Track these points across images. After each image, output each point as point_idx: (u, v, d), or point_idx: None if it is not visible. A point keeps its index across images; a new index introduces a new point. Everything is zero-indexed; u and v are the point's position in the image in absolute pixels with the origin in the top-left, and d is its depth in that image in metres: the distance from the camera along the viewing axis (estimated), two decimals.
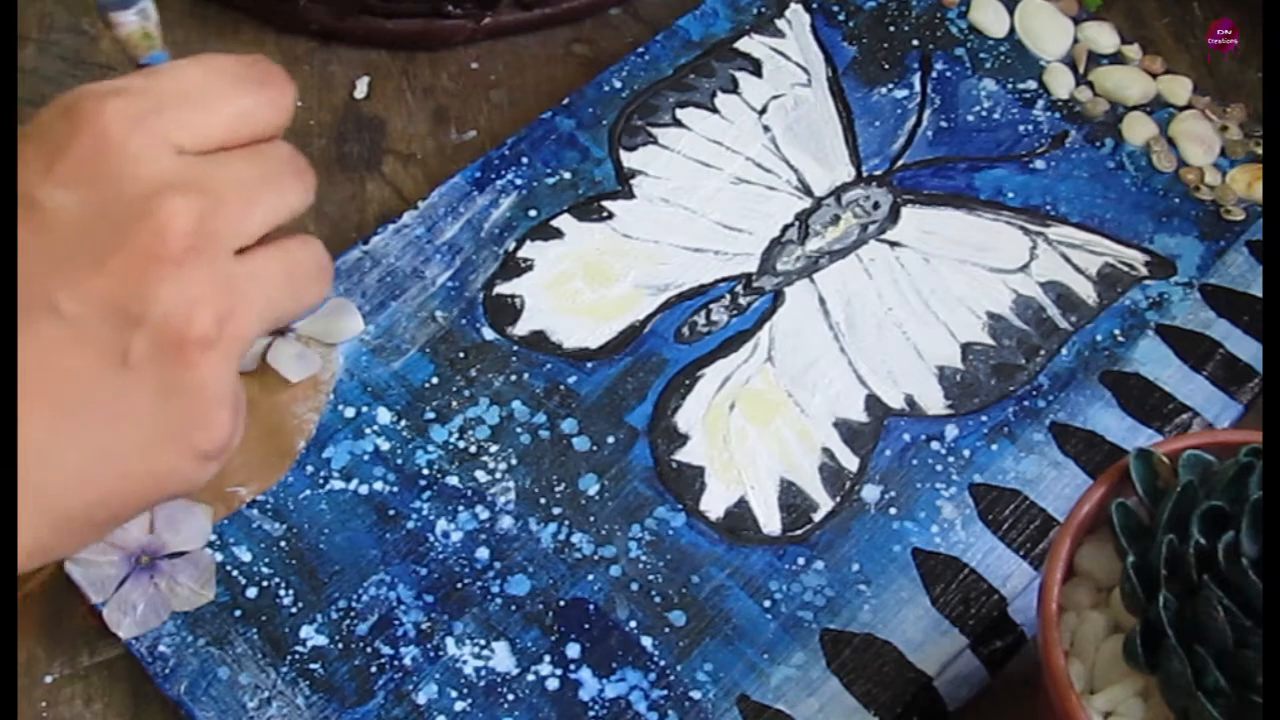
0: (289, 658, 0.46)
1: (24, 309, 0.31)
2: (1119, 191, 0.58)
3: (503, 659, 0.46)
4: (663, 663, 0.46)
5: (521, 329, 0.53)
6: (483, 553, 0.48)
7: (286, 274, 0.35)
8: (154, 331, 0.32)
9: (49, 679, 0.46)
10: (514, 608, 0.47)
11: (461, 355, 0.52)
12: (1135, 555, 0.38)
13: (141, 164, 0.32)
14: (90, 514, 0.33)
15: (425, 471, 0.50)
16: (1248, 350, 0.53)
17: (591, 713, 0.45)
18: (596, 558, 0.48)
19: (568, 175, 0.57)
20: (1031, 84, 0.61)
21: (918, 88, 0.61)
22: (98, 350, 0.32)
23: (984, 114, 0.60)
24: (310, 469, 0.50)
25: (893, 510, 0.50)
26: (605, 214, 0.56)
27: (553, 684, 0.46)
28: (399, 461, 0.50)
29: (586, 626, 0.47)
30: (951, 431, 0.51)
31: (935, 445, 0.51)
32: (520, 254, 0.55)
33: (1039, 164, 0.58)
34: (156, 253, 0.31)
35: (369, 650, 0.46)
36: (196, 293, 0.32)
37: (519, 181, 0.57)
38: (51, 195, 0.31)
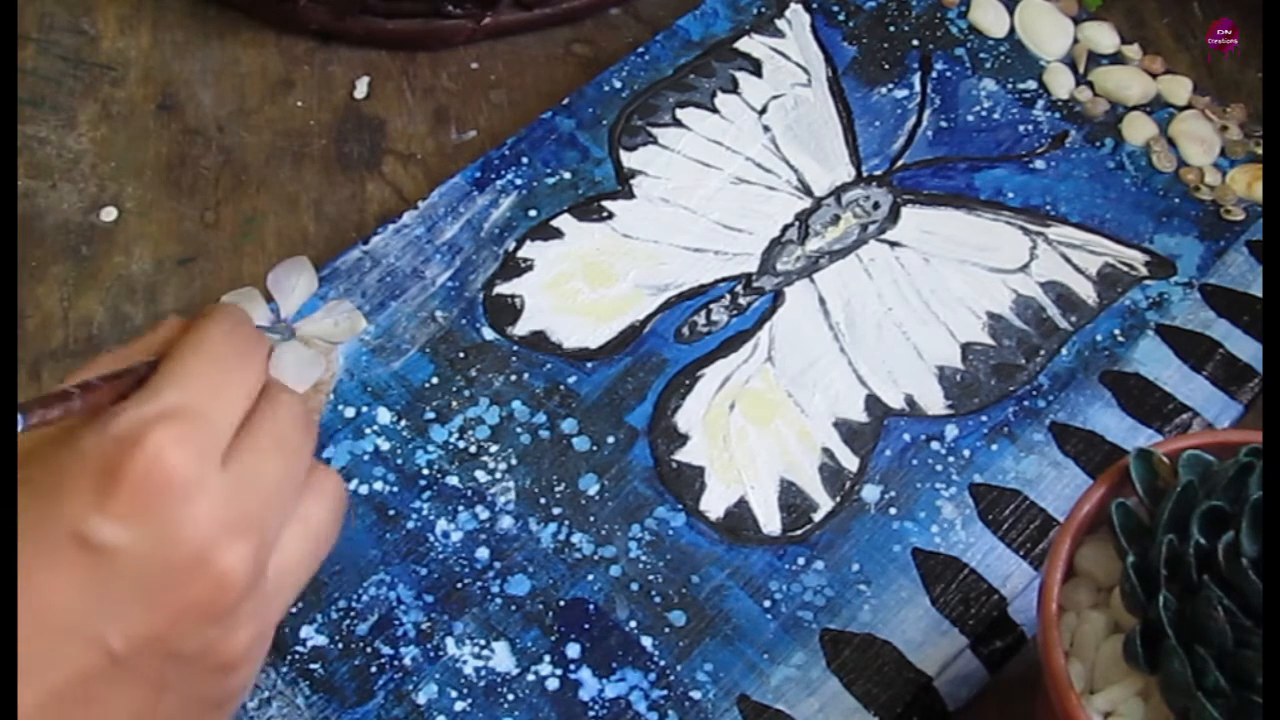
0: (289, 658, 0.46)
1: (74, 643, 0.31)
2: (1119, 191, 0.58)
3: (503, 659, 0.46)
4: (663, 663, 0.46)
5: (521, 329, 0.53)
6: (483, 553, 0.48)
7: (313, 553, 0.36)
8: (197, 663, 0.33)
9: None
10: (514, 608, 0.47)
11: (461, 355, 0.52)
12: (1135, 555, 0.38)
13: (196, 501, 0.32)
14: None
15: (425, 471, 0.50)
16: (1248, 350, 0.53)
17: (591, 713, 0.45)
18: (596, 558, 0.48)
19: (568, 175, 0.57)
20: (1031, 84, 0.61)
21: (918, 88, 0.61)
22: (140, 681, 0.32)
23: (984, 114, 0.60)
24: None
25: (893, 510, 0.50)
26: (605, 214, 0.56)
27: (553, 684, 0.46)
28: (399, 461, 0.50)
29: (586, 626, 0.47)
30: (951, 431, 0.51)
31: (935, 445, 0.51)
32: (520, 254, 0.55)
33: (1039, 164, 0.58)
34: (213, 603, 0.32)
35: (369, 650, 0.46)
36: (243, 632, 0.33)
37: (519, 181, 0.57)
38: (104, 530, 0.31)
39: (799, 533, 0.49)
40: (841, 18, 0.62)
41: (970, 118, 0.60)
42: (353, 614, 0.47)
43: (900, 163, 0.58)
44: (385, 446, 0.50)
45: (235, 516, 0.32)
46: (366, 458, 0.50)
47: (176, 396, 0.32)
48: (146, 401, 0.32)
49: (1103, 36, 0.62)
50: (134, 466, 0.31)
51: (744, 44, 0.61)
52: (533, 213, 0.56)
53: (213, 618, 0.32)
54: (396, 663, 0.46)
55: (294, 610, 0.47)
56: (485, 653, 0.46)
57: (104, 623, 0.31)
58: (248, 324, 0.36)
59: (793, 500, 0.50)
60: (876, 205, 0.57)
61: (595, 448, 0.51)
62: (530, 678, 0.46)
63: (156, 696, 0.33)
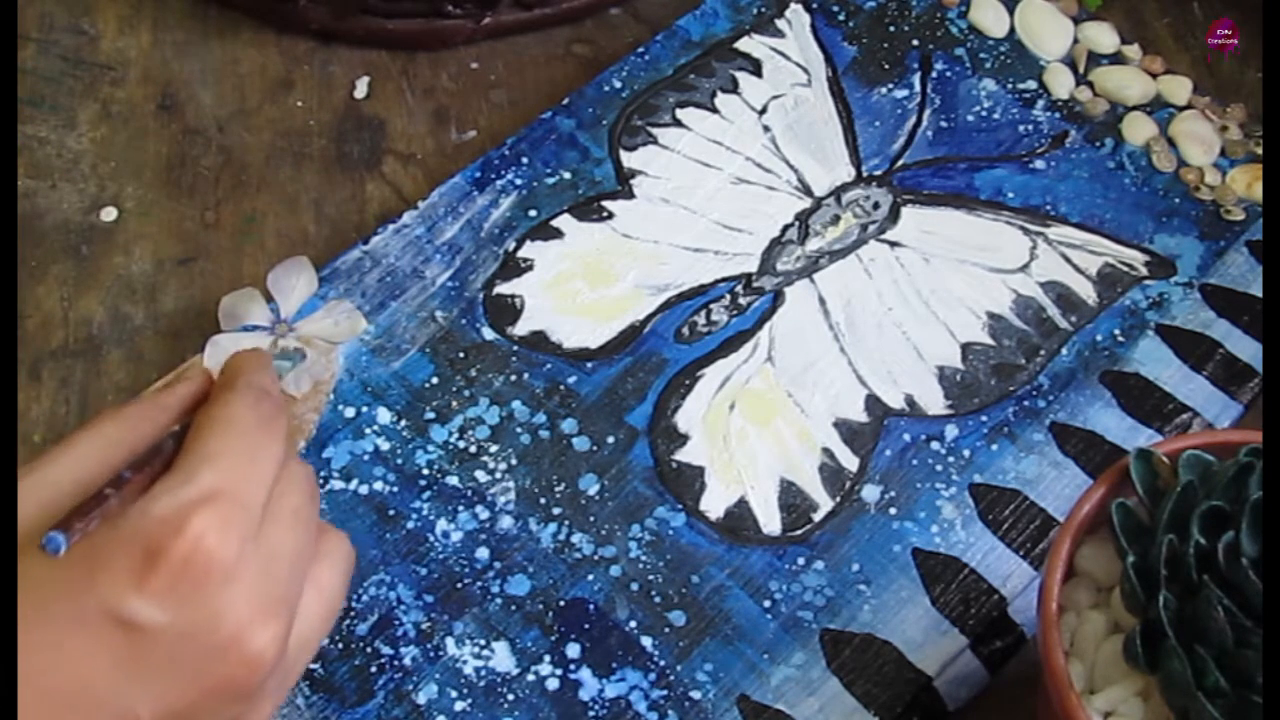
0: None
1: (104, 716, 0.32)
2: (1119, 191, 0.58)
3: (503, 659, 0.46)
4: (663, 663, 0.46)
5: (521, 329, 0.53)
6: (483, 553, 0.48)
7: (327, 618, 0.37)
8: None
9: None
10: (514, 608, 0.47)
11: (461, 355, 0.52)
12: (1135, 555, 0.38)
13: (233, 584, 0.32)
14: None
15: (425, 471, 0.50)
16: (1248, 350, 0.53)
17: (591, 713, 0.45)
18: (596, 558, 0.48)
19: (568, 175, 0.57)
20: (1031, 84, 0.61)
21: (918, 88, 0.61)
22: None
23: (984, 114, 0.60)
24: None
25: (893, 510, 0.49)
26: (605, 214, 0.56)
27: (553, 684, 0.46)
28: (399, 461, 0.50)
29: (586, 626, 0.47)
30: (951, 431, 0.51)
31: (935, 445, 0.51)
32: (520, 254, 0.55)
33: (1039, 164, 0.58)
34: (244, 682, 0.33)
35: (369, 650, 0.46)
36: (266, 705, 0.34)
37: (519, 181, 0.57)
38: (143, 610, 0.32)
39: (799, 533, 0.49)
40: (841, 18, 0.62)
41: (970, 118, 0.60)
42: (353, 614, 0.47)
43: (900, 163, 0.58)
44: (385, 446, 0.50)
45: (266, 597, 0.33)
46: (366, 458, 0.50)
47: (213, 478, 0.33)
48: (185, 484, 0.33)
49: (1103, 36, 0.62)
50: (176, 550, 0.32)
51: (744, 44, 0.61)
52: (533, 213, 0.56)
53: (242, 696, 0.33)
54: (396, 663, 0.46)
55: None
56: (485, 653, 0.46)
57: (134, 697, 0.32)
58: (270, 394, 0.37)
59: (793, 500, 0.50)
60: (876, 205, 0.57)
61: (595, 448, 0.51)
62: (530, 678, 0.46)
63: None
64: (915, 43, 0.62)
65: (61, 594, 0.32)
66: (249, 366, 0.37)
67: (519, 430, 0.51)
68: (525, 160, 0.57)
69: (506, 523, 0.49)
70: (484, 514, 0.49)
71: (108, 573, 0.32)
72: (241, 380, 0.36)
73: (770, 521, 0.49)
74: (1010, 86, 0.61)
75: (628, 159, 0.58)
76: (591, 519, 0.49)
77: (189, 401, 0.37)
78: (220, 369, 0.38)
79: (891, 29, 0.62)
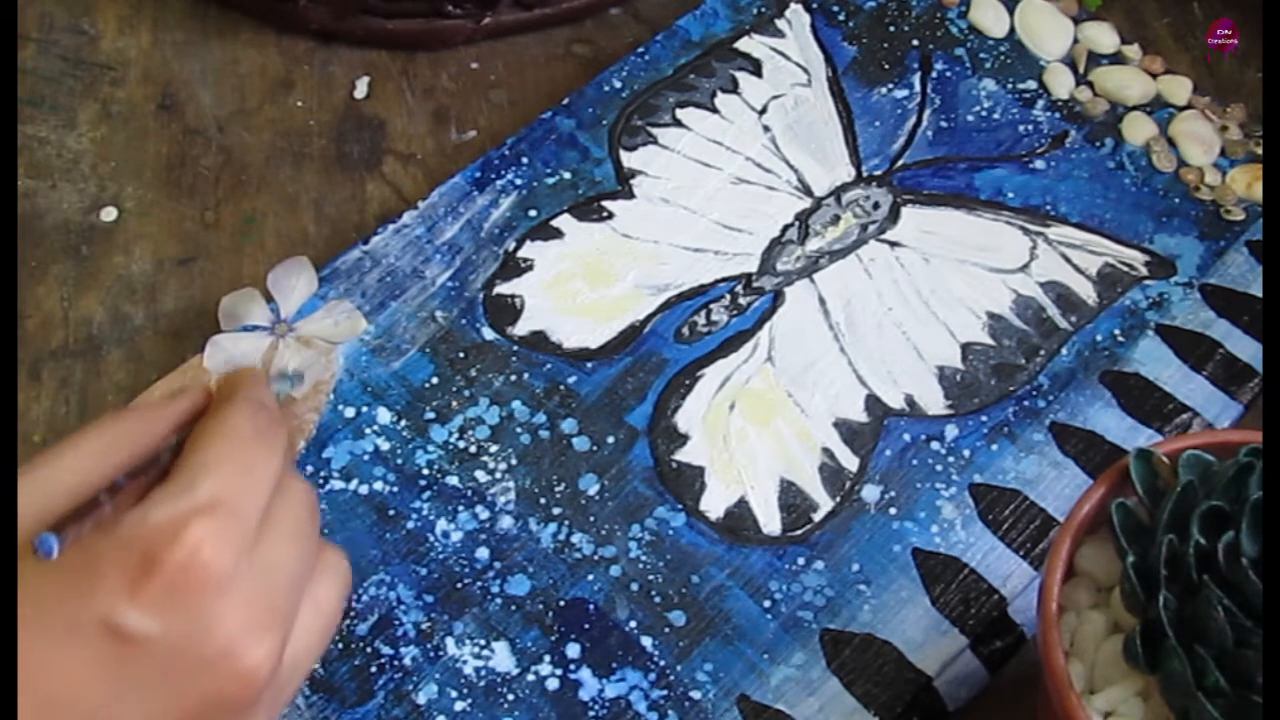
0: None
1: None
2: (1119, 191, 0.58)
3: (503, 659, 0.46)
4: (663, 663, 0.46)
5: (521, 329, 0.53)
6: (483, 553, 0.48)
7: (323, 634, 0.37)
8: None
9: None
10: (514, 608, 0.47)
11: (461, 355, 0.53)
12: (1135, 555, 0.38)
13: (228, 596, 0.32)
14: None
15: (425, 471, 0.50)
16: (1248, 350, 0.53)
17: (591, 713, 0.45)
18: (596, 558, 0.48)
19: (568, 175, 0.57)
20: (1031, 84, 0.61)
21: (918, 88, 0.61)
22: None
23: (984, 114, 0.60)
24: (310, 469, 0.50)
25: (893, 510, 0.50)
26: (605, 214, 0.56)
27: (553, 684, 0.46)
28: (399, 461, 0.50)
29: (586, 626, 0.47)
30: (951, 431, 0.51)
31: (935, 445, 0.51)
32: (520, 254, 0.55)
33: (1039, 164, 0.58)
34: (237, 697, 0.33)
35: (369, 650, 0.46)
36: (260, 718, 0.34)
37: (519, 181, 0.57)
38: (136, 620, 0.31)
39: (799, 533, 0.49)
40: (841, 18, 0.62)
41: (970, 118, 0.60)
42: (353, 614, 0.47)
43: (900, 163, 0.58)
44: (385, 446, 0.50)
45: (262, 610, 0.33)
46: (366, 458, 0.50)
47: (211, 488, 0.33)
48: (183, 493, 0.33)
49: (1103, 36, 0.62)
50: (171, 559, 0.31)
51: (744, 44, 0.61)
52: (533, 213, 0.56)
53: (235, 710, 0.33)
54: (396, 663, 0.46)
55: None
56: (485, 653, 0.46)
57: (126, 708, 0.32)
58: (269, 406, 0.37)
59: (793, 500, 0.50)
60: (876, 205, 0.57)
61: (595, 448, 0.51)
62: (530, 678, 0.46)
63: None
64: (915, 43, 0.62)
65: (55, 601, 0.31)
66: (247, 381, 0.37)
67: (519, 430, 0.51)
68: (525, 160, 0.57)
69: (506, 523, 0.49)
70: (484, 514, 0.49)
71: (102, 580, 0.31)
72: (240, 394, 0.36)
73: (770, 521, 0.49)
74: (1010, 86, 0.61)
75: (628, 159, 0.58)
76: (591, 519, 0.49)
77: (187, 414, 0.37)
78: (218, 384, 0.38)
79: (891, 29, 0.62)
